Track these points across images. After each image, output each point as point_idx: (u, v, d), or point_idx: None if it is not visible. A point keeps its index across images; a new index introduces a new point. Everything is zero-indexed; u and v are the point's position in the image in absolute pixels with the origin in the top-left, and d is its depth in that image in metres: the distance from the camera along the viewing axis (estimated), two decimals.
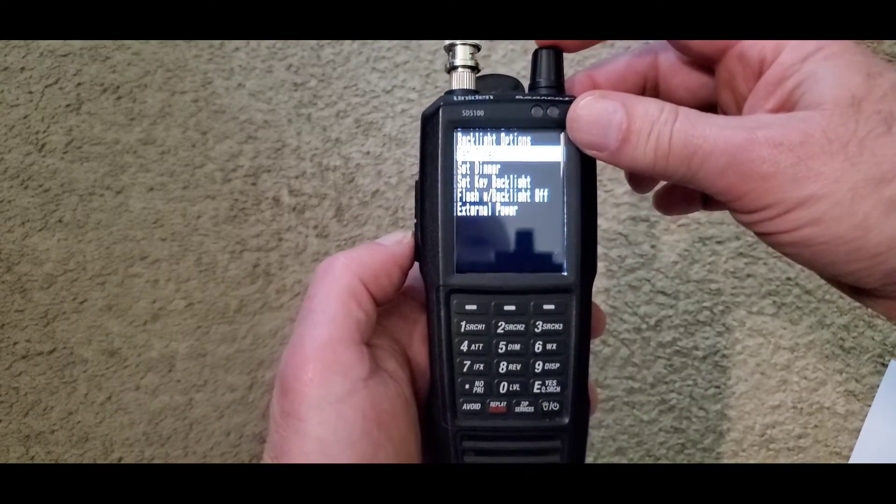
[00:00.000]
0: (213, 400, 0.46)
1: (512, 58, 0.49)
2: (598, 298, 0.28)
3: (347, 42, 0.48)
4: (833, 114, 0.23)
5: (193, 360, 0.46)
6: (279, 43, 0.48)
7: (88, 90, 0.47)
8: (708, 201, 0.32)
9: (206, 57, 0.48)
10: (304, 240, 0.47)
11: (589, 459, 0.29)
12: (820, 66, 0.24)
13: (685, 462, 0.47)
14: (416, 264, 0.29)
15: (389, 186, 0.48)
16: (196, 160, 0.47)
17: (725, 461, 0.47)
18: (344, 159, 0.48)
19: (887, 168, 0.22)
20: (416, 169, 0.48)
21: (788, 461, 0.47)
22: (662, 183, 0.34)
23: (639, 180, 0.33)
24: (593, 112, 0.25)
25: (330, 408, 0.25)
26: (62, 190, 0.47)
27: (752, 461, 0.47)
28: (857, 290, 0.26)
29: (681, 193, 0.33)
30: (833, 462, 0.47)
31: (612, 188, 0.48)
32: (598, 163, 0.27)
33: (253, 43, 0.48)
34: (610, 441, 0.47)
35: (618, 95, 0.25)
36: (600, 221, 0.46)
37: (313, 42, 0.48)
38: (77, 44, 0.47)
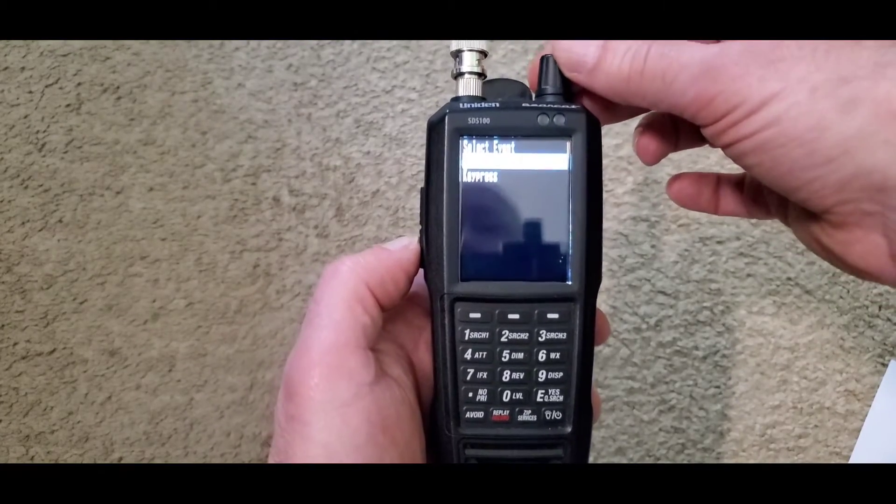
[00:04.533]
0: (214, 400, 0.46)
1: (512, 58, 0.49)
2: (598, 298, 0.28)
3: (347, 42, 0.48)
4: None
5: (193, 360, 0.46)
6: (279, 43, 0.48)
7: (88, 90, 0.47)
8: (714, 186, 0.32)
9: (206, 57, 0.48)
10: (305, 240, 0.47)
11: (589, 459, 0.29)
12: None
13: (685, 462, 0.47)
14: (421, 270, 0.29)
15: (390, 186, 0.48)
16: (196, 160, 0.47)
17: (725, 461, 0.47)
18: (344, 159, 0.48)
19: (849, 70, 0.23)
20: (416, 169, 0.48)
21: (788, 461, 0.47)
22: (675, 173, 0.33)
23: (613, 109, 0.32)
24: (574, 42, 0.27)
25: (335, 412, 0.25)
26: (62, 190, 0.47)
27: (752, 461, 0.47)
28: (814, 218, 0.26)
29: (699, 180, 0.33)
30: (833, 462, 0.47)
31: (612, 188, 0.48)
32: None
33: (253, 43, 0.48)
34: (610, 441, 0.47)
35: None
36: None
37: (313, 42, 0.48)
38: (77, 44, 0.47)
